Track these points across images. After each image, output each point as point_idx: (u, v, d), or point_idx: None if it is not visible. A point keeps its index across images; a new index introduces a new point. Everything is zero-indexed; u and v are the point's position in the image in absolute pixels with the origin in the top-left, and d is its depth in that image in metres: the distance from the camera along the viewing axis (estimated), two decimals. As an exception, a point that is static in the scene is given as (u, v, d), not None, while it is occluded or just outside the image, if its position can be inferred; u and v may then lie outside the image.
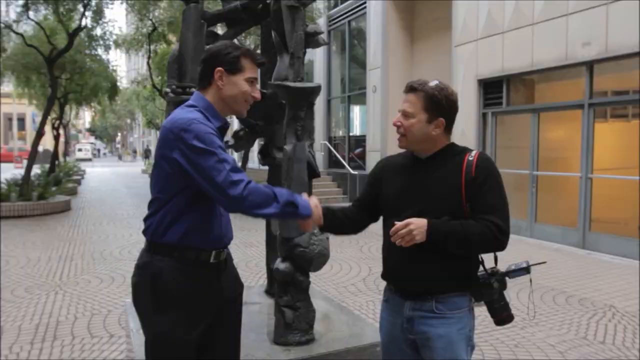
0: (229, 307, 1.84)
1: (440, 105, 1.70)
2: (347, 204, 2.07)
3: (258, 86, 1.83)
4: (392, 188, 1.84)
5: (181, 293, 1.69)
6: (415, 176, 1.78)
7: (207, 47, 2.27)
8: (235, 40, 3.37)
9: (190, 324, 1.69)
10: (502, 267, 1.77)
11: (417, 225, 1.60)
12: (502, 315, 1.71)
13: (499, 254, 1.74)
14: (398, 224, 1.61)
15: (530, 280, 1.88)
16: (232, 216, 1.88)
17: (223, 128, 1.77)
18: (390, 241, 1.77)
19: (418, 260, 1.70)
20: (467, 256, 1.72)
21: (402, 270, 1.77)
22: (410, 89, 1.74)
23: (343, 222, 1.92)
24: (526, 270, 1.76)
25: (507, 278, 1.74)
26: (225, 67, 1.72)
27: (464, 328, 1.72)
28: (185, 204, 1.69)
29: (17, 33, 11.97)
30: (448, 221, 1.64)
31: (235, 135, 3.53)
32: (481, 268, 1.78)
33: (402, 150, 1.89)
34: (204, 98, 1.75)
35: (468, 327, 1.74)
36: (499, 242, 1.63)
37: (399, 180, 1.82)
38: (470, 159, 1.70)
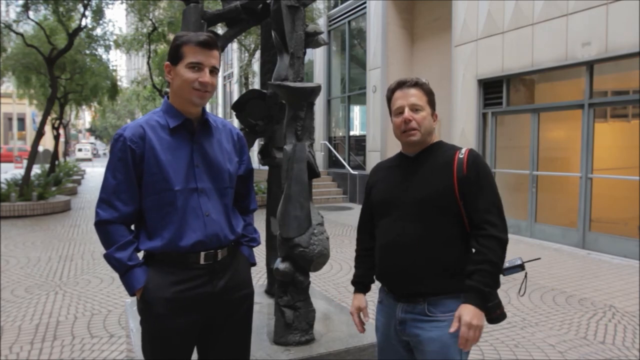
0: (233, 310, 1.79)
1: (434, 100, 1.81)
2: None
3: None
4: (381, 189, 1.85)
5: (158, 294, 1.66)
6: (405, 174, 1.79)
7: None
8: (235, 41, 3.36)
9: (172, 324, 1.67)
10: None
11: (472, 319, 1.60)
12: (495, 312, 1.69)
13: None
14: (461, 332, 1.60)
15: (526, 274, 1.89)
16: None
17: (184, 125, 1.71)
18: (384, 242, 1.78)
19: (410, 262, 1.70)
20: (461, 257, 1.71)
21: (394, 272, 1.76)
22: (415, 84, 1.77)
23: (372, 266, 1.95)
24: (521, 267, 1.78)
25: (501, 276, 1.74)
26: (170, 60, 1.69)
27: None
28: (144, 209, 1.71)
29: (17, 33, 11.98)
30: (474, 286, 1.62)
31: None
32: None
33: (391, 155, 1.92)
34: (166, 100, 1.76)
35: None
36: (503, 243, 1.66)
37: (389, 180, 1.84)
38: (461, 156, 1.71)
